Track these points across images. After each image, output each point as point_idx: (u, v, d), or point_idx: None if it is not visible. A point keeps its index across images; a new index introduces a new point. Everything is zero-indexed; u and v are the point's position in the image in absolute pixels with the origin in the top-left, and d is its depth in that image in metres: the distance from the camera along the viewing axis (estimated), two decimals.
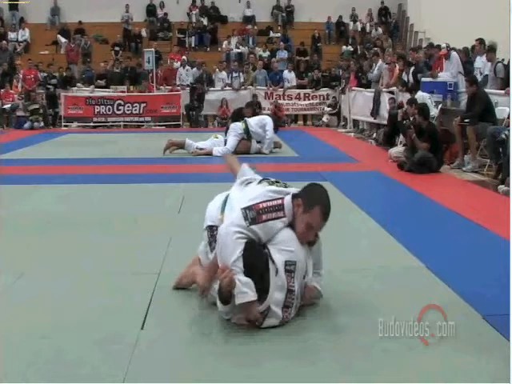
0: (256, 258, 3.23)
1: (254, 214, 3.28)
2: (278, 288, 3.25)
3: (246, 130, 10.93)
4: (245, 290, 3.14)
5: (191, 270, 3.90)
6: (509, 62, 10.64)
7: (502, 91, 10.06)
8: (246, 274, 3.17)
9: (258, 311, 3.20)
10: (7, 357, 2.95)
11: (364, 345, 3.10)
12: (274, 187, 3.49)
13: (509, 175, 7.51)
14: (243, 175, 4.01)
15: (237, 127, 11.11)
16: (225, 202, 3.71)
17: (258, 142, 11.02)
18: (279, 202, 3.37)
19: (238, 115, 11.82)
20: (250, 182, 3.79)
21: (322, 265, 3.64)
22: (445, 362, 2.91)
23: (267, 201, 3.36)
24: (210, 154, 10.88)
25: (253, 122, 11.08)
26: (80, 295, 3.86)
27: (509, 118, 9.01)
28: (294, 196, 3.40)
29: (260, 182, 3.68)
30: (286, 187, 3.52)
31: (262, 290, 3.19)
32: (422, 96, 11.05)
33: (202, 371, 2.88)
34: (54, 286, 4.03)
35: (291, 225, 3.39)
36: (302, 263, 3.34)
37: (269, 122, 11.09)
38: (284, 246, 3.30)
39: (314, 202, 3.35)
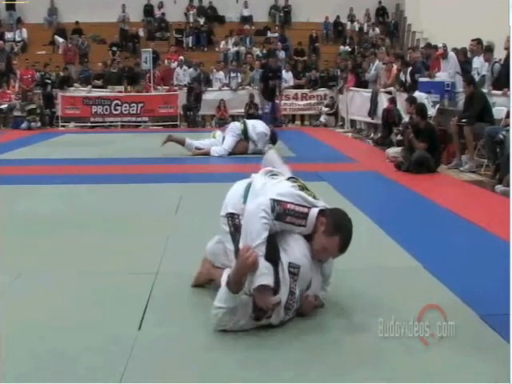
0: (275, 251, 3.22)
1: (280, 210, 3.25)
2: (283, 283, 3.22)
3: (245, 132, 10.91)
4: (266, 271, 3.11)
5: (206, 267, 3.88)
6: (506, 62, 10.63)
7: (499, 92, 10.06)
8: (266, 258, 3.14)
9: (272, 301, 3.15)
10: (6, 357, 2.94)
11: (364, 345, 3.09)
12: (303, 194, 3.41)
13: (506, 174, 7.54)
14: (271, 161, 3.94)
15: (235, 127, 11.11)
16: (247, 190, 3.65)
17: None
18: (305, 210, 3.33)
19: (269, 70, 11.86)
20: (276, 175, 3.75)
21: (329, 282, 3.62)
22: (445, 361, 2.91)
23: (295, 204, 3.32)
24: (208, 153, 10.87)
25: (250, 125, 11.01)
26: (77, 295, 3.85)
27: (507, 117, 9.01)
28: (321, 212, 3.37)
29: (289, 178, 3.61)
30: (314, 197, 3.46)
31: (276, 282, 3.17)
32: (419, 96, 11.05)
33: (201, 372, 2.87)
34: (51, 286, 4.02)
35: (306, 236, 3.37)
36: (307, 272, 3.31)
37: (261, 138, 10.90)
38: (291, 249, 3.29)
39: (337, 230, 3.31)
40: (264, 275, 3.11)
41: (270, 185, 3.55)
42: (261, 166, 4.13)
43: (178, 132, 15.03)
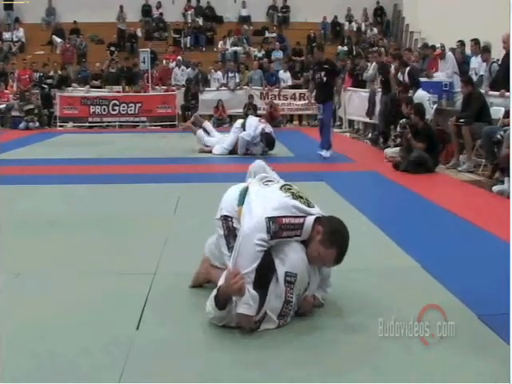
0: (267, 272, 3.22)
1: (276, 228, 3.23)
2: (276, 295, 3.23)
3: (243, 125, 10.86)
4: (251, 303, 3.12)
5: (204, 268, 3.89)
6: (503, 62, 10.63)
7: (497, 92, 10.07)
8: (254, 285, 3.15)
9: (254, 320, 3.19)
10: (5, 357, 2.94)
11: (363, 345, 3.10)
12: (298, 203, 3.39)
13: (500, 171, 7.61)
14: (258, 170, 3.96)
15: (237, 123, 11.13)
16: (243, 194, 3.63)
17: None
18: (301, 221, 3.32)
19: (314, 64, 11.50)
20: (270, 181, 3.73)
21: (330, 283, 3.63)
22: (445, 361, 2.92)
23: (290, 217, 3.30)
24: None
25: (248, 122, 10.97)
26: (75, 295, 3.85)
27: (505, 117, 9.01)
28: (317, 220, 3.36)
29: (282, 187, 3.58)
30: (309, 205, 3.43)
31: (261, 298, 3.18)
32: (420, 95, 11.02)
33: (199, 372, 2.88)
34: (49, 287, 4.02)
35: (303, 241, 3.37)
36: (304, 277, 3.31)
37: (241, 140, 10.73)
38: (287, 257, 3.28)
39: (334, 242, 3.31)
40: (247, 305, 3.12)
41: (264, 195, 3.50)
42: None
43: (176, 132, 15.07)
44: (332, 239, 3.31)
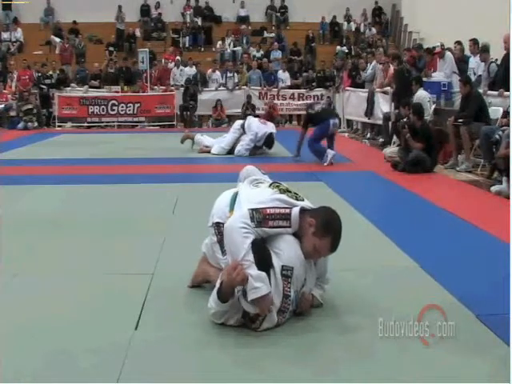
0: (264, 252, 3.22)
1: (260, 217, 3.24)
2: (275, 290, 3.23)
3: (243, 125, 10.88)
4: (257, 284, 3.10)
5: (202, 268, 3.89)
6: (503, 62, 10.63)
7: (495, 92, 10.08)
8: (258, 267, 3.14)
9: (271, 301, 3.17)
10: (3, 357, 2.94)
11: (364, 345, 3.10)
12: (284, 196, 3.41)
13: (498, 171, 7.61)
14: (249, 175, 3.98)
15: (237, 124, 11.13)
16: (234, 199, 3.66)
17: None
18: (287, 211, 3.32)
19: None
20: (260, 183, 3.74)
21: (326, 279, 3.63)
22: (443, 361, 2.91)
23: (275, 207, 3.31)
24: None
25: (247, 122, 10.97)
26: (74, 296, 3.84)
27: (503, 117, 9.02)
28: (306, 211, 3.36)
29: (271, 184, 3.61)
30: (296, 198, 3.44)
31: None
32: (421, 95, 11.01)
33: (197, 371, 2.88)
34: (47, 287, 4.02)
35: (295, 234, 3.36)
36: (300, 272, 3.30)
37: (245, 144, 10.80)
38: (282, 251, 3.28)
39: (328, 231, 3.31)
40: (254, 289, 3.10)
41: (252, 194, 3.53)
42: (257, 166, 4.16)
43: (174, 132, 15.06)
44: (325, 229, 3.31)
